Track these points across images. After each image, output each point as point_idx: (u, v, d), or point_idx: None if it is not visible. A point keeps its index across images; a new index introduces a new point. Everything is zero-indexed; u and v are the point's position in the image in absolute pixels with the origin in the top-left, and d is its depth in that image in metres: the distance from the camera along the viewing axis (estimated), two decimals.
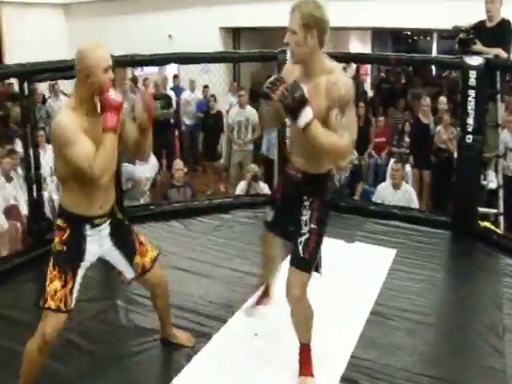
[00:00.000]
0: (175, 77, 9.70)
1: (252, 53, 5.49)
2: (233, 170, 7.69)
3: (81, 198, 2.37)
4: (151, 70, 9.57)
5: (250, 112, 7.57)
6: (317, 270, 2.53)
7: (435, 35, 15.10)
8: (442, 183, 6.21)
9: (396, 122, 8.13)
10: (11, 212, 5.47)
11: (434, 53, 15.23)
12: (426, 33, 15.45)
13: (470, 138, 4.35)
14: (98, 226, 2.45)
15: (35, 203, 4.12)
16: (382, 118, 7.97)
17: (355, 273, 3.67)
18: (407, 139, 7.40)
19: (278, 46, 4.55)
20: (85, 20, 11.36)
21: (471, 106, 4.30)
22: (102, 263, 3.91)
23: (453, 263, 4.09)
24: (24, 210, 5.58)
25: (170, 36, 9.90)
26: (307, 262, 2.42)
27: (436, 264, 3.89)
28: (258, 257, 3.89)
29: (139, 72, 9.91)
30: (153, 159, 6.92)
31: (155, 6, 10.45)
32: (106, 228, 2.49)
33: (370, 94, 11.30)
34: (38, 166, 4.06)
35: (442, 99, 7.06)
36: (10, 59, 9.73)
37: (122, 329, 3.09)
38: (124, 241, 2.57)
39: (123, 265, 2.60)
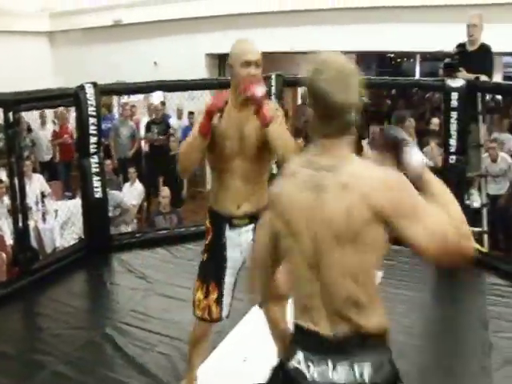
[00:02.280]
0: (162, 104, 9.74)
1: None
2: None
3: (219, 193, 2.35)
4: (136, 97, 9.62)
5: None
6: None
7: (418, 57, 15.36)
8: None
9: None
10: None
11: (418, 74, 15.48)
12: (409, 55, 15.69)
13: (453, 159, 4.43)
14: (236, 226, 2.36)
15: (21, 233, 4.11)
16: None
17: None
18: None
19: (263, 73, 4.61)
20: (69, 48, 11.44)
21: (454, 127, 4.39)
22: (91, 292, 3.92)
23: (438, 283, 4.11)
24: (9, 240, 5.56)
25: (155, 63, 9.99)
26: None
27: (421, 284, 3.91)
28: (243, 281, 3.90)
29: (126, 99, 9.95)
30: (139, 185, 6.92)
31: (140, 33, 10.57)
32: (247, 232, 2.35)
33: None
34: (23, 196, 4.07)
35: (435, 120, 7.12)
36: None
37: (111, 358, 3.07)
38: None
39: None
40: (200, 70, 9.62)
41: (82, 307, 3.81)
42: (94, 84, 4.46)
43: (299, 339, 1.49)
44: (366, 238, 1.39)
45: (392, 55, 16.34)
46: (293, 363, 1.46)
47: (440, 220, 1.36)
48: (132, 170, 7.01)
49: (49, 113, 8.96)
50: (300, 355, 1.45)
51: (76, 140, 5.25)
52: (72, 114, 7.57)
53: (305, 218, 1.42)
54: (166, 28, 10.22)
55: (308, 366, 1.43)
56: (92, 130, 4.44)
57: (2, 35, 11.02)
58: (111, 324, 3.43)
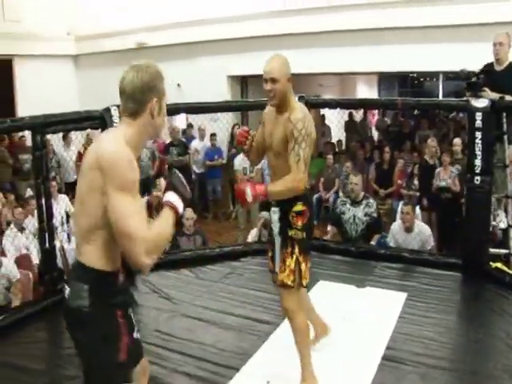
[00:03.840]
0: (189, 126, 9.81)
1: (257, 101, 5.52)
2: (240, 217, 7.70)
3: None
4: None
5: None
6: None
7: (441, 77, 15.30)
8: (448, 224, 6.17)
9: (405, 165, 8.13)
10: (22, 262, 5.49)
11: (441, 94, 15.41)
12: (432, 75, 15.64)
13: (478, 180, 4.37)
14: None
15: (47, 253, 4.17)
16: (401, 161, 8.04)
17: (366, 318, 3.65)
18: (416, 182, 7.38)
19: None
20: (94, 70, 11.64)
21: (478, 147, 4.34)
22: None
23: (464, 305, 4.05)
24: (36, 259, 5.63)
25: (178, 85, 10.09)
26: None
27: (447, 306, 3.85)
28: (269, 303, 3.89)
29: None
30: None
31: (164, 55, 10.70)
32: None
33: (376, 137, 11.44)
34: (50, 217, 4.13)
35: (457, 141, 7.06)
36: (23, 111, 9.94)
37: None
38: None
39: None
40: (223, 92, 9.71)
41: None
42: (119, 106, 4.52)
43: None
44: (91, 185, 1.77)
45: (414, 75, 16.31)
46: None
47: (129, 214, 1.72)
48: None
49: (74, 135, 9.09)
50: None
51: None
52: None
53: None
54: (190, 50, 10.35)
55: (66, 288, 1.89)
56: None
57: (29, 59, 11.30)
58: None
